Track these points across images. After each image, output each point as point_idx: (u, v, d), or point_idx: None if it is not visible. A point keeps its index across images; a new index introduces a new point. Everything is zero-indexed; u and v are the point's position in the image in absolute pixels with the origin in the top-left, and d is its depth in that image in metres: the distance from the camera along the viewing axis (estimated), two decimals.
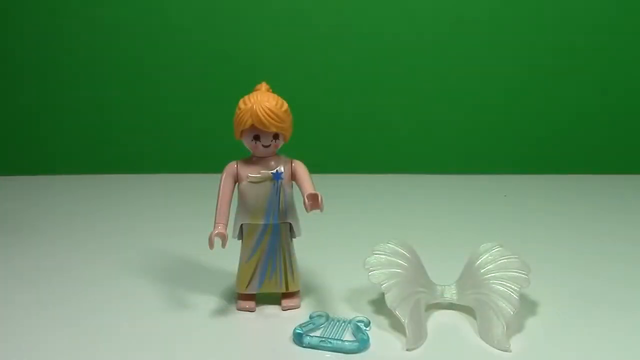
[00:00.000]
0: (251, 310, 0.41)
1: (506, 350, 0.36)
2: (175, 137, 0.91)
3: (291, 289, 0.42)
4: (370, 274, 0.39)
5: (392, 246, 0.42)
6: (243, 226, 0.40)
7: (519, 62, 0.88)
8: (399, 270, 0.40)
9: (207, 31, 0.88)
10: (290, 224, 0.41)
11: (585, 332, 0.38)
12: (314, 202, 0.37)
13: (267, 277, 0.41)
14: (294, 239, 0.42)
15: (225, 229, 0.39)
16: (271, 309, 0.42)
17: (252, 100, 0.38)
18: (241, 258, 0.41)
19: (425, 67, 0.89)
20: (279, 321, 0.40)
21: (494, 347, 0.36)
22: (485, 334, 0.37)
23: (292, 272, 0.42)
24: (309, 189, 0.38)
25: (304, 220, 0.41)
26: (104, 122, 0.92)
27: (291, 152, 0.42)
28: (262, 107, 0.37)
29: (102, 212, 0.70)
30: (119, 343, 0.37)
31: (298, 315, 0.41)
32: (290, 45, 0.88)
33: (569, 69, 0.88)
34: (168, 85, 0.90)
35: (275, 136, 0.39)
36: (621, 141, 0.90)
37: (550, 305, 0.42)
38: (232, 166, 0.40)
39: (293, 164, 0.40)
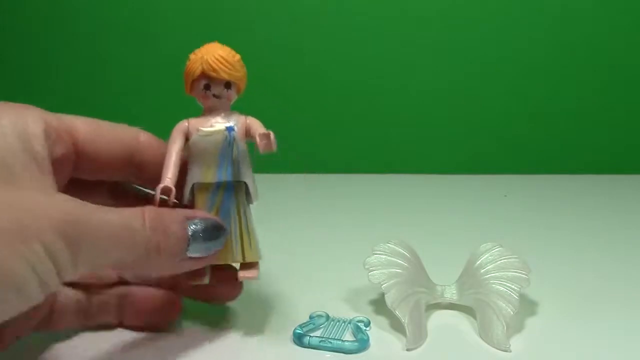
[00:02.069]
0: (203, 283, 0.37)
1: (506, 350, 0.36)
2: None
3: (249, 259, 0.37)
4: (370, 274, 0.39)
5: (392, 246, 0.42)
6: (194, 186, 0.36)
7: (519, 62, 0.88)
8: (399, 270, 0.40)
9: (207, 31, 0.88)
10: (246, 185, 0.36)
11: (585, 332, 0.38)
12: (267, 141, 0.34)
13: None
14: (251, 205, 0.37)
15: (172, 183, 0.35)
16: (271, 309, 0.42)
17: (202, 51, 0.36)
18: None
19: (425, 67, 0.89)
20: (279, 321, 0.40)
21: (494, 347, 0.36)
22: (485, 334, 0.37)
23: (250, 241, 0.37)
24: (261, 130, 0.36)
25: (306, 217, 0.41)
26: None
27: (291, 151, 0.42)
28: (213, 54, 0.36)
29: None
30: (117, 343, 0.37)
31: (298, 315, 0.41)
32: (290, 45, 0.88)
33: (568, 69, 0.88)
34: (168, 85, 0.90)
35: (227, 85, 0.36)
36: (621, 141, 0.90)
37: (550, 305, 0.42)
38: (182, 123, 0.37)
39: (248, 120, 0.37)
